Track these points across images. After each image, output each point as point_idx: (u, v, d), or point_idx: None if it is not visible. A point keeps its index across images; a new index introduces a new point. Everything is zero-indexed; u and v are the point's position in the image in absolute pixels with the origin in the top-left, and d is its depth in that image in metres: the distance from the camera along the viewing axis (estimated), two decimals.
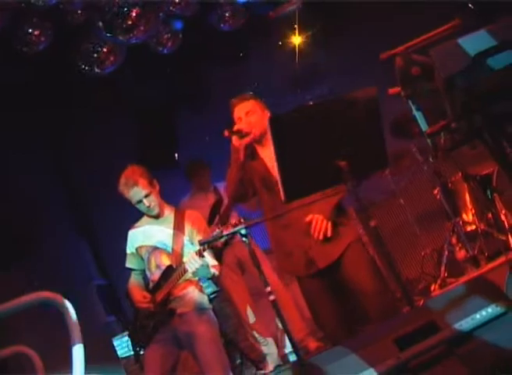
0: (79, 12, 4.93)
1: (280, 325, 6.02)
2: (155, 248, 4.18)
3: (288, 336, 3.15)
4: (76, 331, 2.52)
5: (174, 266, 4.05)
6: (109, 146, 6.95)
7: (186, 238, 4.15)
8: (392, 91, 3.13)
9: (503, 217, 4.95)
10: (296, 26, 6.68)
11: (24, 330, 4.86)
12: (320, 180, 3.05)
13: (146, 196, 4.10)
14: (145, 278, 4.31)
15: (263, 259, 6.11)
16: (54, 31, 5.04)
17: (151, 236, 4.22)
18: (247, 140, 3.66)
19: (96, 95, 6.59)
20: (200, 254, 3.80)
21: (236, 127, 3.71)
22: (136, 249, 4.26)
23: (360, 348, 2.25)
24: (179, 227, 4.15)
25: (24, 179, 6.20)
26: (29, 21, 4.84)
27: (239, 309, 6.11)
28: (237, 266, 6.09)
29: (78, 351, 2.52)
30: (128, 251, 4.31)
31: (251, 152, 3.78)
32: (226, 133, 3.65)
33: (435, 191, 5.40)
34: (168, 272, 4.05)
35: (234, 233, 3.26)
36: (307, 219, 3.60)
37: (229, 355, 6.14)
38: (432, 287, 5.22)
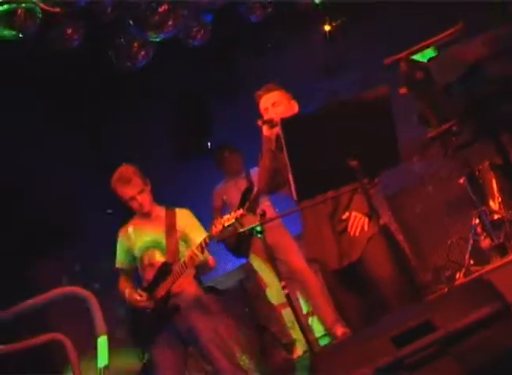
0: (109, 10, 5.09)
1: (305, 310, 6.19)
2: (148, 247, 4.27)
3: (299, 325, 3.24)
4: (100, 323, 2.70)
5: (170, 263, 4.12)
6: (146, 135, 7.11)
7: (179, 236, 4.22)
8: (402, 91, 3.18)
9: None
10: (325, 14, 6.70)
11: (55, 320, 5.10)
12: (331, 179, 3.12)
13: (139, 193, 4.20)
14: (138, 278, 4.39)
15: (293, 246, 6.22)
16: (87, 29, 5.22)
17: (143, 234, 4.30)
18: (277, 129, 3.59)
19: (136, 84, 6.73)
20: (201, 249, 3.92)
21: (267, 117, 3.70)
22: (128, 248, 4.34)
23: (358, 344, 2.36)
24: (171, 225, 4.22)
25: (63, 167, 6.40)
26: (62, 20, 5.02)
27: (269, 294, 6.26)
28: (266, 252, 6.19)
29: (102, 342, 2.70)
30: (118, 249, 4.39)
31: (280, 144, 3.83)
32: (259, 122, 3.66)
33: (461, 180, 5.40)
34: (165, 269, 4.13)
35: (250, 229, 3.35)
36: (344, 216, 3.59)
37: (260, 339, 6.34)
38: (457, 275, 5.25)
